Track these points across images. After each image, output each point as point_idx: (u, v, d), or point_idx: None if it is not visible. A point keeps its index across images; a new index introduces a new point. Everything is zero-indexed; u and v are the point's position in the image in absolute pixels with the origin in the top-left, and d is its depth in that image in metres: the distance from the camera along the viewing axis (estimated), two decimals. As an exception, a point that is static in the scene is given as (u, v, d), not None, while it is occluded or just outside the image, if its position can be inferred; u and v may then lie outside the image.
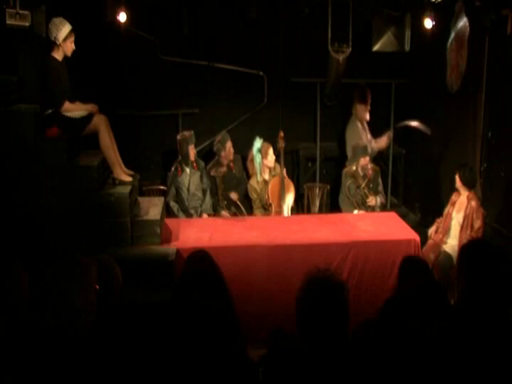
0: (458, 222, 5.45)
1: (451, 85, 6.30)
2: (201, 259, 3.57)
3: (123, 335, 2.48)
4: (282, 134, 6.56)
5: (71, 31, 4.72)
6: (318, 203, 7.11)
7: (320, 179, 7.58)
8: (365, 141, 6.84)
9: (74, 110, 4.82)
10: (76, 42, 4.80)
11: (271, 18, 6.85)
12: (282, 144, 6.56)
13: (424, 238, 5.63)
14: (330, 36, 6.62)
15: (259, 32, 6.94)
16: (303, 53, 7.15)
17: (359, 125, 6.97)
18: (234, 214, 6.52)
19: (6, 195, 4.39)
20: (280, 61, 7.10)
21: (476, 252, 2.82)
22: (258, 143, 6.65)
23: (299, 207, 7.32)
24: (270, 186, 6.55)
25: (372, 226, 5.59)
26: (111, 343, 2.37)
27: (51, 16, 4.76)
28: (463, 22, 5.90)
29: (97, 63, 6.57)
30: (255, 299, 4.86)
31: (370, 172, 6.51)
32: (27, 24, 4.57)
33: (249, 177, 6.89)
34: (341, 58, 6.63)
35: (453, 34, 6.14)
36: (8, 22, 4.44)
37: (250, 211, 6.72)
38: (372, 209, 6.47)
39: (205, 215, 6.35)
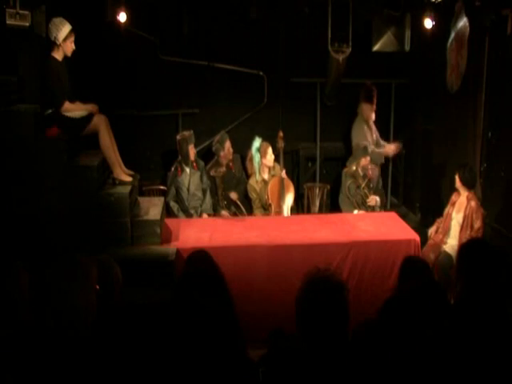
0: (457, 222, 5.45)
1: (451, 85, 6.30)
2: (201, 259, 3.57)
3: (123, 335, 2.48)
4: (281, 133, 6.56)
5: (71, 31, 4.72)
6: (317, 203, 7.11)
7: (320, 179, 7.59)
8: (370, 140, 6.83)
9: (74, 109, 4.81)
10: (76, 42, 4.80)
11: (271, 18, 6.85)
12: (281, 144, 6.56)
13: (424, 238, 5.62)
14: (329, 36, 6.63)
15: (259, 32, 6.94)
16: (303, 53, 7.16)
17: (365, 124, 6.95)
18: (234, 214, 6.52)
19: (6, 195, 4.39)
20: (280, 61, 7.10)
21: (475, 252, 2.83)
22: (256, 142, 6.65)
23: (299, 207, 7.32)
24: (269, 186, 6.55)
25: (372, 226, 5.59)
26: (111, 343, 2.37)
27: (51, 16, 4.76)
28: (463, 22, 5.90)
29: (97, 63, 6.57)
30: (255, 299, 4.86)
31: (371, 172, 6.51)
32: (27, 24, 4.57)
33: (248, 176, 6.89)
34: (341, 58, 6.64)
35: (453, 34, 6.14)
36: (8, 22, 4.44)
37: (250, 211, 6.73)
38: (372, 209, 6.47)
39: (205, 215, 6.35)
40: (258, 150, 6.63)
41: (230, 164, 6.80)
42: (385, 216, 6.10)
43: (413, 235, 5.33)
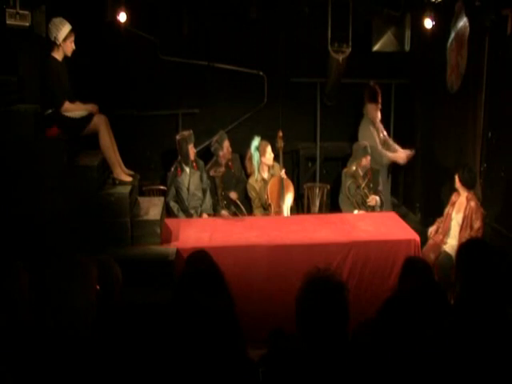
0: (457, 222, 5.45)
1: (451, 85, 6.30)
2: (200, 259, 3.57)
3: (123, 335, 2.48)
4: (280, 133, 6.56)
5: (71, 31, 4.72)
6: (317, 203, 7.11)
7: (320, 179, 7.59)
8: (378, 141, 6.81)
9: (74, 109, 4.81)
10: (76, 42, 4.80)
11: (271, 18, 6.85)
12: (281, 144, 6.56)
13: (424, 238, 5.62)
14: (329, 36, 6.62)
15: (259, 32, 6.94)
16: (303, 53, 7.16)
17: (371, 125, 6.93)
18: (234, 214, 6.52)
19: (6, 195, 4.39)
20: (280, 61, 7.10)
21: (474, 251, 2.83)
22: (255, 141, 6.66)
23: (299, 207, 7.32)
24: (269, 186, 6.55)
25: (372, 226, 5.59)
26: (111, 343, 2.37)
27: (51, 16, 4.76)
28: (463, 22, 5.90)
29: (97, 63, 6.57)
30: (255, 299, 4.86)
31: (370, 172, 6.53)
32: (27, 24, 4.58)
33: (248, 176, 6.89)
34: (341, 57, 6.64)
35: (453, 34, 6.14)
36: (8, 22, 4.45)
37: (250, 211, 6.73)
38: (372, 209, 6.47)
39: (205, 215, 6.34)
40: (257, 148, 6.64)
41: (230, 164, 6.80)
42: (385, 216, 6.10)
43: (413, 235, 5.34)
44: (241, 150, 7.03)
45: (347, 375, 2.13)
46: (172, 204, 6.32)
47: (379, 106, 6.95)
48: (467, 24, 5.81)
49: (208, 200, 6.45)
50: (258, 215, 6.63)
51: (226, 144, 6.67)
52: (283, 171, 6.61)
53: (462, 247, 2.98)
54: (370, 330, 2.28)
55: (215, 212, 6.47)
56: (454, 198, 5.58)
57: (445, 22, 6.15)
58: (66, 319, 2.32)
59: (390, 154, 6.89)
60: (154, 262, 4.60)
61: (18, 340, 2.31)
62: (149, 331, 2.46)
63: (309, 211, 7.06)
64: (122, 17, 6.04)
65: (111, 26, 6.17)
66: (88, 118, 4.83)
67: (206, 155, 7.01)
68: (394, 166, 7.52)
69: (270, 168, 6.71)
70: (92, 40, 6.13)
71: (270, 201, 6.53)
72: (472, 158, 5.90)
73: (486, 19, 5.41)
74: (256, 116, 7.46)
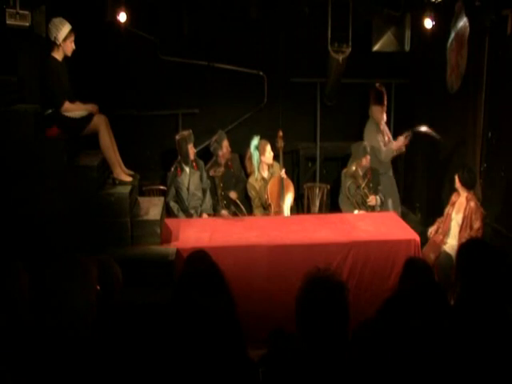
0: (457, 222, 5.45)
1: (451, 85, 6.30)
2: (200, 259, 3.56)
3: (123, 335, 2.48)
4: (280, 133, 6.56)
5: (71, 31, 4.71)
6: (317, 203, 7.11)
7: (320, 179, 7.59)
8: (382, 143, 6.80)
9: (73, 109, 4.81)
10: (76, 42, 4.80)
11: (271, 18, 6.85)
12: (281, 143, 6.56)
13: (424, 238, 5.62)
14: (329, 36, 6.62)
15: (259, 32, 6.95)
16: (303, 53, 7.16)
17: (376, 127, 6.91)
18: (234, 214, 6.52)
19: (6, 195, 4.39)
20: (280, 61, 7.11)
21: (474, 251, 2.83)
22: (255, 141, 6.67)
23: (299, 207, 7.32)
24: (269, 186, 6.55)
25: (372, 226, 5.59)
26: (111, 343, 2.37)
27: (51, 16, 4.76)
28: (463, 22, 5.90)
29: (97, 63, 6.58)
30: (255, 299, 4.85)
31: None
32: (27, 24, 4.58)
33: (247, 175, 6.89)
34: (341, 57, 6.63)
35: (453, 34, 6.14)
36: (8, 22, 4.45)
37: (250, 210, 6.73)
38: (372, 209, 6.47)
39: (205, 215, 6.34)
40: (257, 147, 6.64)
41: (229, 163, 6.81)
42: (385, 216, 6.10)
43: (413, 235, 5.33)
44: (241, 150, 7.03)
45: (347, 375, 2.13)
46: (172, 204, 6.32)
47: (384, 108, 6.91)
48: (467, 24, 5.81)
49: (208, 200, 6.45)
50: (258, 215, 6.63)
51: (225, 144, 6.68)
52: (283, 171, 6.61)
53: (462, 247, 2.98)
54: (369, 330, 2.28)
55: (215, 212, 6.47)
56: (453, 198, 5.58)
57: (445, 22, 6.15)
58: (66, 319, 2.32)
59: (392, 146, 6.83)
60: (154, 262, 4.60)
61: (17, 340, 2.31)
62: (149, 331, 2.46)
63: (309, 211, 7.06)
64: (122, 17, 6.04)
65: (111, 26, 6.18)
66: (88, 118, 4.83)
67: (206, 155, 7.01)
68: (393, 167, 7.53)
69: (269, 167, 6.71)
70: (92, 40, 6.13)
71: (269, 201, 6.53)
72: (472, 158, 5.90)
73: (486, 19, 5.41)
74: (256, 116, 7.46)
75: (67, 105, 4.77)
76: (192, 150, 6.41)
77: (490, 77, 5.60)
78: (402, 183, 7.91)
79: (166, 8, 6.82)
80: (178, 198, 6.37)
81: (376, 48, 6.93)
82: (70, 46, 4.76)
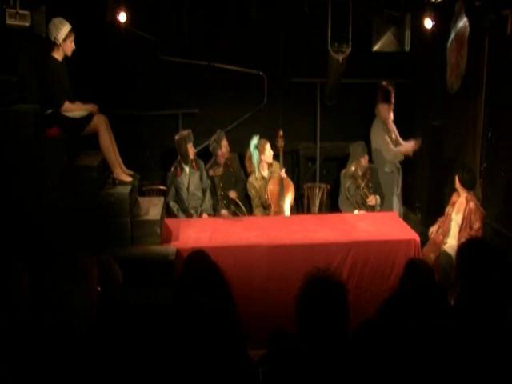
0: (456, 223, 5.45)
1: (451, 85, 6.30)
2: (199, 259, 3.56)
3: (123, 335, 2.48)
4: (281, 133, 6.55)
5: (71, 31, 4.72)
6: (317, 203, 7.11)
7: (320, 179, 7.59)
8: (389, 141, 6.77)
9: (74, 109, 4.82)
10: (76, 42, 4.80)
11: (271, 18, 6.85)
12: (281, 143, 6.56)
13: (424, 238, 5.62)
14: (329, 36, 6.62)
15: (259, 32, 6.95)
16: (303, 53, 7.16)
17: (383, 125, 6.88)
18: (234, 213, 6.52)
19: (6, 195, 4.38)
20: (280, 61, 7.10)
21: (474, 251, 2.83)
22: (254, 140, 6.67)
23: (299, 207, 7.32)
24: (269, 186, 6.54)
25: (372, 226, 5.59)
26: (111, 343, 2.37)
27: (51, 16, 4.76)
28: (463, 22, 5.90)
29: (97, 63, 6.57)
30: (255, 299, 4.85)
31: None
32: (27, 24, 4.57)
33: (247, 175, 6.90)
34: (341, 57, 6.63)
35: (453, 34, 6.14)
36: (8, 22, 4.44)
37: (250, 210, 6.73)
38: (372, 208, 6.47)
39: (205, 215, 6.34)
40: (256, 147, 6.65)
41: (228, 163, 6.81)
42: (385, 216, 6.10)
43: (413, 235, 5.33)
44: (241, 150, 7.03)
45: (347, 375, 2.13)
46: (172, 204, 6.32)
47: (392, 106, 6.83)
48: (467, 24, 5.81)
49: (208, 200, 6.45)
50: (258, 215, 6.63)
51: (225, 143, 6.68)
52: (283, 171, 6.61)
53: (462, 247, 2.98)
54: (369, 330, 2.28)
55: (215, 212, 6.47)
56: (454, 198, 5.58)
57: (445, 22, 6.15)
58: (66, 319, 2.32)
59: (400, 149, 6.81)
60: (154, 262, 4.60)
61: (18, 340, 2.31)
62: (149, 331, 2.46)
63: (309, 211, 7.06)
64: (122, 17, 6.04)
65: (111, 26, 6.17)
66: (88, 118, 4.84)
67: (206, 155, 7.01)
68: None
69: (269, 166, 6.71)
70: (92, 40, 6.12)
71: (270, 201, 6.52)
72: (472, 158, 5.90)
73: (486, 19, 5.41)
74: (256, 116, 7.46)
75: (67, 105, 4.77)
76: (192, 150, 6.41)
77: (490, 77, 5.60)
78: (402, 183, 7.91)
79: (166, 8, 6.82)
80: (178, 198, 6.37)
81: (376, 48, 6.93)
82: (69, 46, 4.76)
